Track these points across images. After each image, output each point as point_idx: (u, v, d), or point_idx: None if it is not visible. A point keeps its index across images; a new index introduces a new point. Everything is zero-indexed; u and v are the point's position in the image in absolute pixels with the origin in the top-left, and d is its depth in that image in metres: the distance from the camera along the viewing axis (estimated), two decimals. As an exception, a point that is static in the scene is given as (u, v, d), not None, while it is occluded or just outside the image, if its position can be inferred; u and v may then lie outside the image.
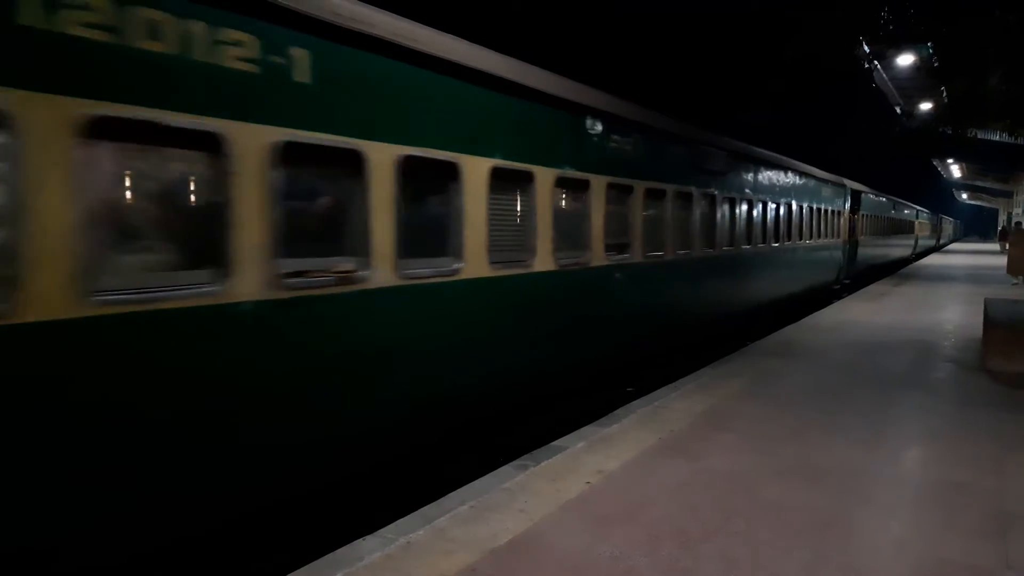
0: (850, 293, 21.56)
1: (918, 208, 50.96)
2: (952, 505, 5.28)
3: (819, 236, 19.12)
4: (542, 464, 5.92)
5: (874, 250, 29.40)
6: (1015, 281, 23.82)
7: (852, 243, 23.91)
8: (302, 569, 3.95)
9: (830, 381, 9.29)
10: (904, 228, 41.81)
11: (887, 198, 33.30)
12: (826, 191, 20.08)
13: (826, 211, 19.80)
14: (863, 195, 25.78)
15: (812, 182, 18.47)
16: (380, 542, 4.40)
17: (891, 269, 32.94)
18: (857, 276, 25.03)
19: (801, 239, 17.15)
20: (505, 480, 5.56)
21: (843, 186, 22.53)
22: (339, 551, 4.22)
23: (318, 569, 3.98)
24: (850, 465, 6.06)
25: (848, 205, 23.28)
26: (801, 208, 17.03)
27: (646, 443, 6.49)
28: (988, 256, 47.79)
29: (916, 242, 48.44)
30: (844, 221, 22.57)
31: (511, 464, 5.97)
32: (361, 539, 4.43)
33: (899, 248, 39.09)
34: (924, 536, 4.77)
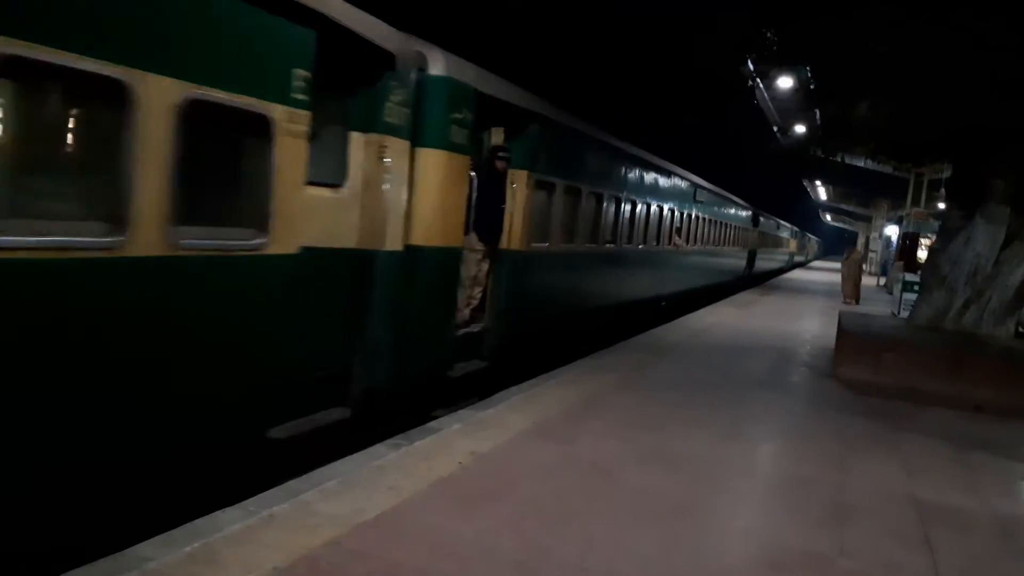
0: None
1: (760, 213, 34.58)
2: (797, 497, 5.66)
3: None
4: (415, 444, 5.91)
5: (612, 278, 13.87)
6: (846, 301, 23.13)
7: (502, 267, 8.77)
8: (157, 537, 3.78)
9: (695, 378, 9.75)
10: (728, 238, 26.44)
11: (677, 176, 17.79)
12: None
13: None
14: (562, 135, 10.41)
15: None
16: (241, 514, 4.27)
17: (679, 309, 17.97)
18: (527, 350, 9.58)
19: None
20: (377, 458, 5.52)
21: (415, 72, 6.72)
22: (197, 521, 4.06)
23: (173, 539, 3.82)
24: (708, 456, 6.39)
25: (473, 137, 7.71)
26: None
27: (520, 427, 6.60)
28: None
29: (752, 261, 33.30)
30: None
31: (384, 443, 5.92)
32: (221, 510, 4.29)
33: (717, 267, 25.22)
34: (770, 524, 5.10)
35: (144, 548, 3.64)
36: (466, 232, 8.04)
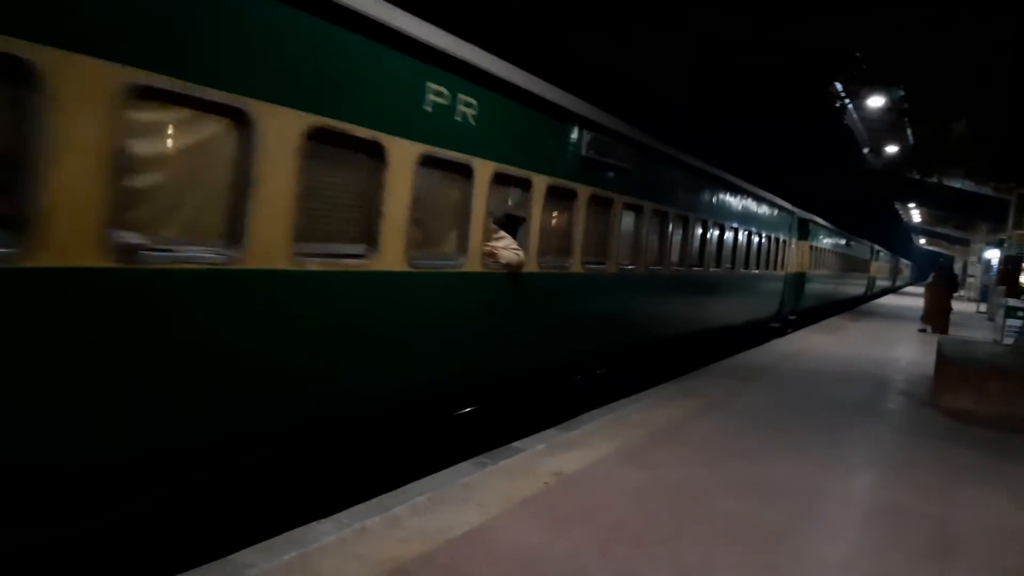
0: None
1: (810, 219, 22.50)
2: (898, 527, 5.40)
3: None
4: (500, 463, 5.94)
5: None
6: (922, 328, 21.32)
7: None
8: (256, 545, 3.91)
9: (786, 404, 9.45)
10: (716, 254, 13.70)
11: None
12: None
13: None
14: None
15: None
16: (335, 526, 4.38)
17: None
18: None
19: None
20: (462, 476, 5.57)
21: None
22: (294, 531, 4.19)
23: (272, 547, 3.94)
24: (802, 483, 6.17)
25: None
26: None
27: (604, 450, 6.54)
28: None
29: (798, 290, 21.51)
30: None
31: (469, 461, 5.98)
32: (316, 522, 4.40)
33: (689, 308, 12.99)
34: (870, 555, 4.87)
35: (246, 555, 3.77)
36: None
